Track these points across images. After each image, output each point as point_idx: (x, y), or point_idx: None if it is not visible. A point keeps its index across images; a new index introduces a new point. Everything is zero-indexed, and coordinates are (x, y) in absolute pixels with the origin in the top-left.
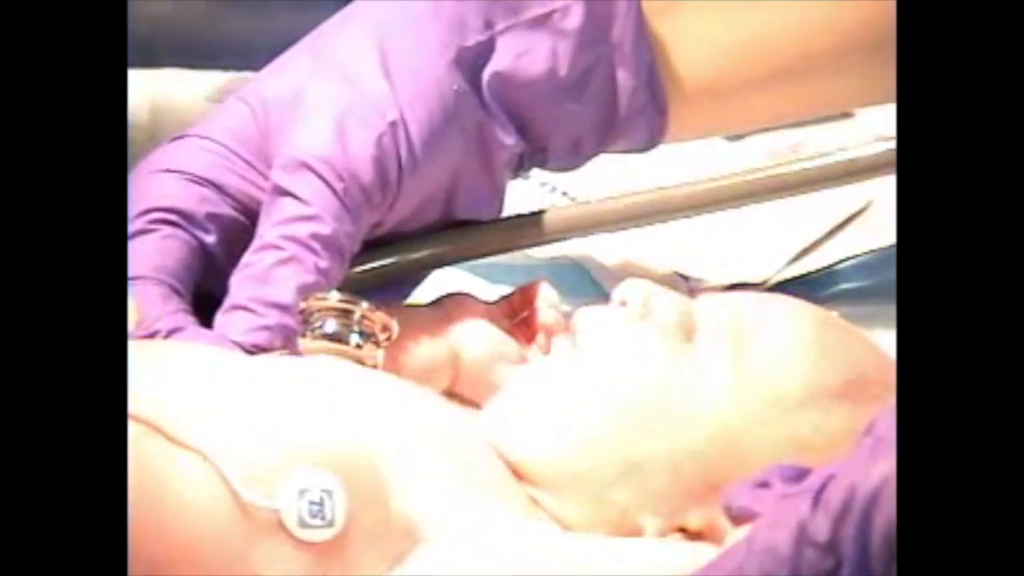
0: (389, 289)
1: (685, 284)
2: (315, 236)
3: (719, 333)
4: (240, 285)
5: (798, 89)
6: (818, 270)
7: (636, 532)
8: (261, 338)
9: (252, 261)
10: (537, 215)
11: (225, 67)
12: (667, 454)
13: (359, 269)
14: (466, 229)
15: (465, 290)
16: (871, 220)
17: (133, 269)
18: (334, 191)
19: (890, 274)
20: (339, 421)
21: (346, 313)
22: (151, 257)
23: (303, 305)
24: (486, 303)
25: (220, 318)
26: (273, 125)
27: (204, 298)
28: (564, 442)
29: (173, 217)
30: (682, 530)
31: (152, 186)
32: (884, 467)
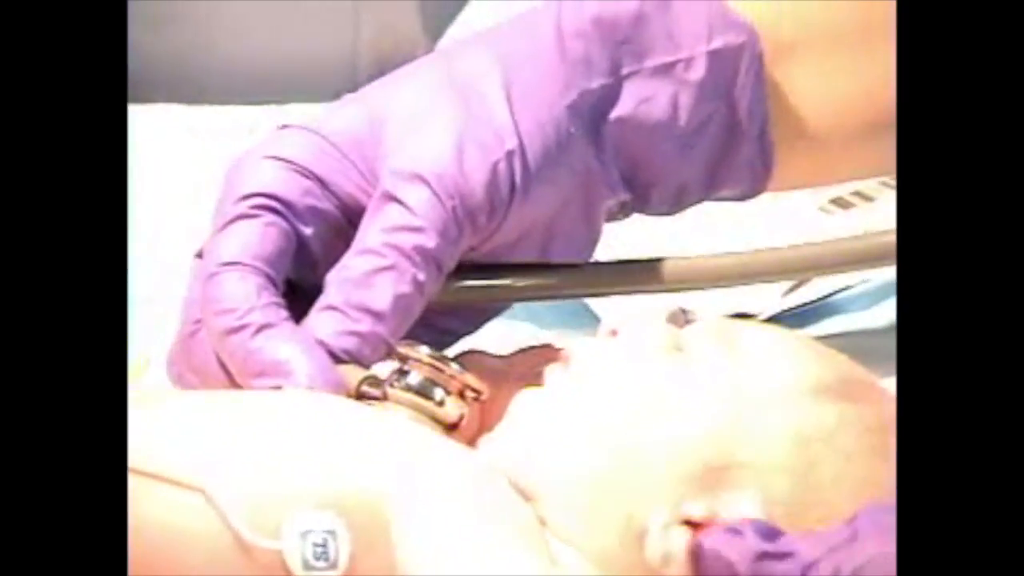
0: (462, 316)
1: (684, 317)
2: (418, 249)
3: (707, 337)
4: (336, 287)
5: None
6: (813, 301)
7: (643, 531)
8: (351, 343)
9: (351, 264)
10: (649, 263)
11: None
12: (667, 453)
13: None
14: (565, 268)
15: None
16: None
17: (230, 254)
18: (444, 207)
19: (886, 303)
20: (342, 461)
21: (435, 369)
22: (250, 244)
23: (399, 349)
24: (499, 358)
25: (312, 317)
26: (389, 133)
27: (294, 290)
28: (566, 460)
29: (275, 204)
30: (687, 522)
31: (258, 171)
32: (869, 548)
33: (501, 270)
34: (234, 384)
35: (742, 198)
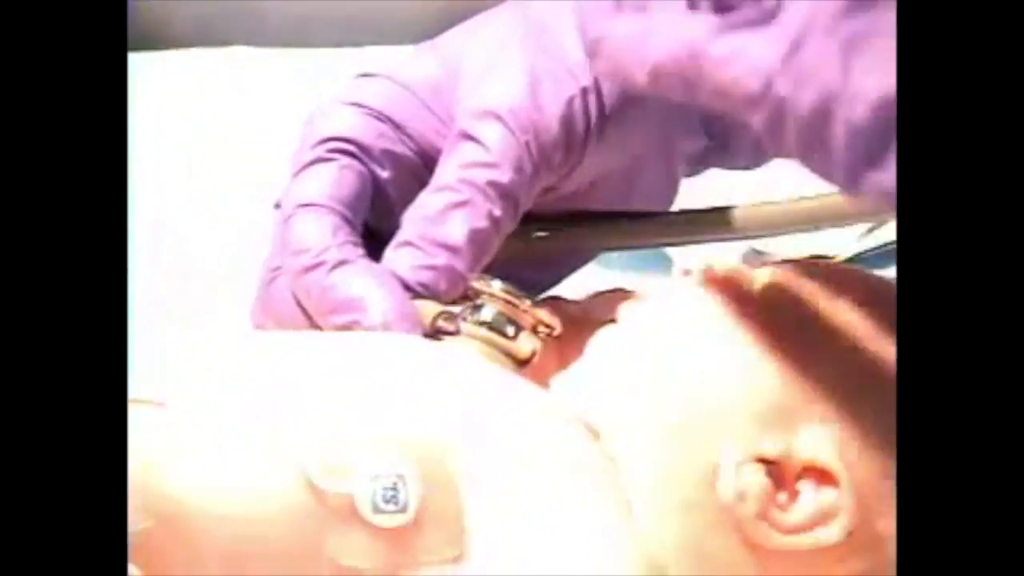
0: (544, 268)
1: (758, 259)
2: (492, 184)
3: (779, 276)
4: (412, 223)
5: None
6: (890, 243)
7: (716, 468)
8: (427, 277)
9: (426, 201)
10: (723, 210)
11: None
12: (742, 391)
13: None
14: (645, 217)
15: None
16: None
17: (306, 196)
18: (518, 142)
19: None
20: (412, 404)
21: (508, 304)
22: (326, 185)
23: (473, 283)
24: (576, 303)
25: (389, 254)
26: (465, 77)
27: (373, 236)
28: (640, 398)
29: (351, 148)
30: (761, 460)
31: (335, 117)
32: None
33: (580, 220)
34: (312, 327)
35: None
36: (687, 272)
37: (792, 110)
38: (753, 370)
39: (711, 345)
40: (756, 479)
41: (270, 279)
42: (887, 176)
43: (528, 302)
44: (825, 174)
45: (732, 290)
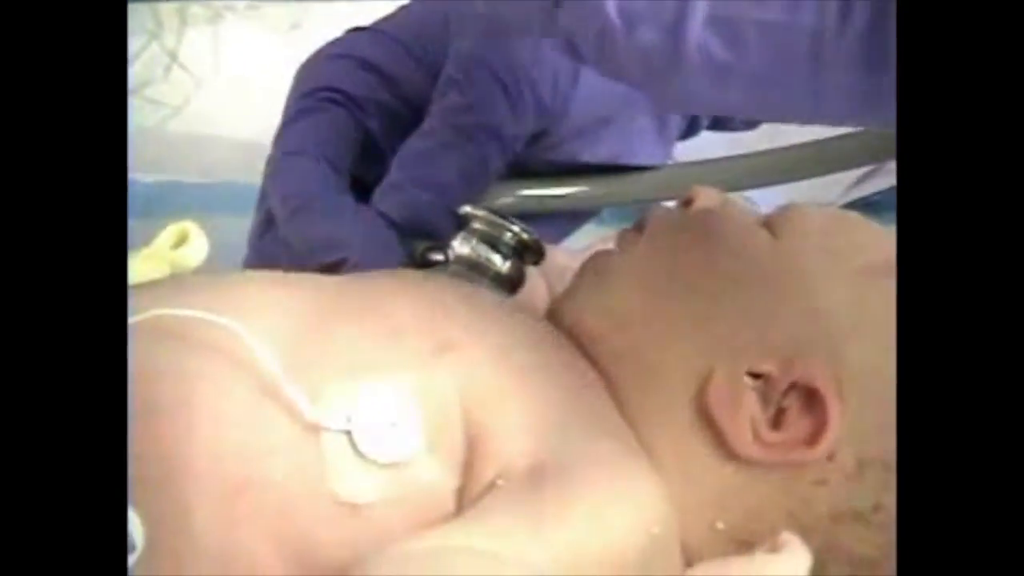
0: (553, 222)
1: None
2: (479, 125)
3: (771, 215)
4: (400, 164)
5: None
6: (886, 190)
7: (709, 377)
8: (412, 215)
9: (415, 144)
10: (716, 162)
11: None
12: (737, 311)
13: (525, 193)
14: (638, 173)
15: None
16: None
17: (295, 144)
18: (505, 88)
19: None
20: (411, 340)
21: (499, 229)
22: (315, 133)
23: (460, 211)
24: (569, 254)
25: (377, 193)
26: (455, 30)
27: (362, 184)
28: (637, 314)
29: (339, 97)
30: (753, 373)
31: (324, 68)
32: None
33: (575, 176)
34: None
35: None
36: (688, 202)
37: None
38: (751, 294)
39: (706, 270)
40: (746, 390)
41: (259, 233)
42: None
43: (516, 227)
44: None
45: (727, 220)
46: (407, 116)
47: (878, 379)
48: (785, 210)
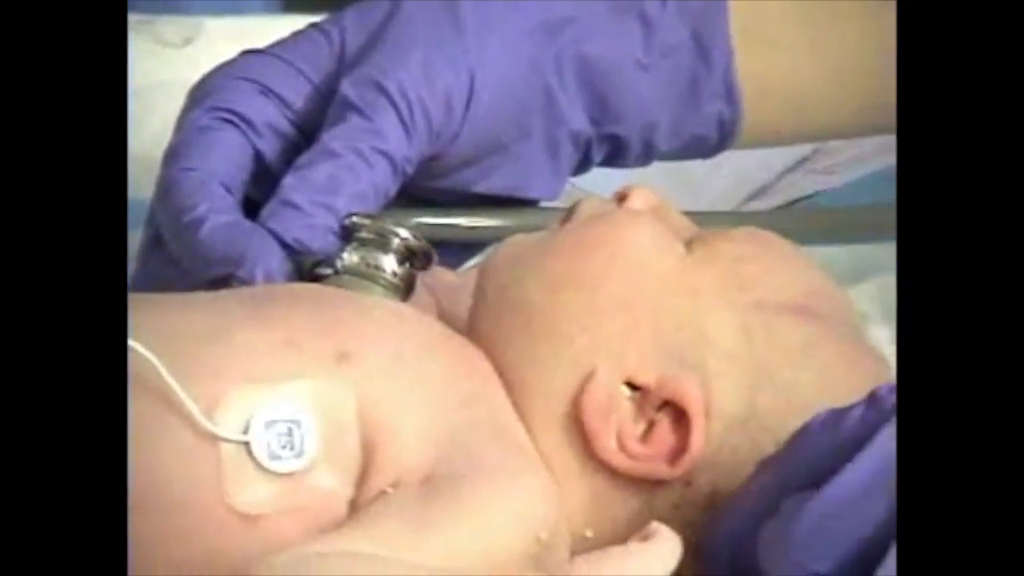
0: (446, 251)
1: None
2: (375, 150)
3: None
4: (292, 184)
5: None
6: (772, 209)
7: (591, 375)
8: (305, 235)
9: (307, 162)
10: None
11: None
12: (632, 314)
13: (423, 221)
14: (530, 207)
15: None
16: (818, 163)
17: (188, 161)
18: (399, 111)
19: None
20: (308, 349)
21: (386, 236)
22: (207, 151)
23: (346, 222)
24: (458, 274)
25: (266, 211)
26: (348, 58)
27: (251, 203)
28: (536, 294)
29: (234, 119)
30: (630, 383)
31: (221, 88)
32: None
33: (466, 209)
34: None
35: (712, 150)
36: (622, 197)
37: None
38: (646, 304)
39: (612, 264)
40: (621, 399)
41: (149, 247)
42: None
43: (403, 232)
44: None
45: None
46: (299, 139)
47: (746, 414)
48: (710, 232)
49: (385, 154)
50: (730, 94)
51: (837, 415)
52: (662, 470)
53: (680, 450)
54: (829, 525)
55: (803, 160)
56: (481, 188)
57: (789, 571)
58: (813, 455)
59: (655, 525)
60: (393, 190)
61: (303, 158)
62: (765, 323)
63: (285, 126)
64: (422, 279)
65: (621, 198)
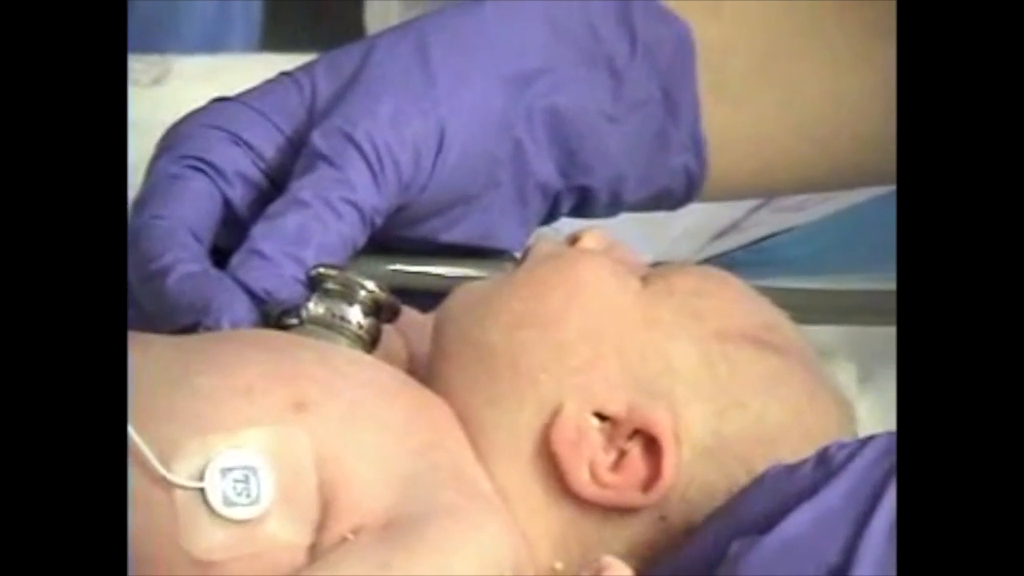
0: (411, 298)
1: None
2: (344, 200)
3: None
4: (261, 233)
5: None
6: (742, 247)
7: (558, 411)
8: (272, 285)
9: (276, 212)
10: None
11: None
12: (589, 345)
13: (399, 269)
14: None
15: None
16: (787, 200)
17: (157, 208)
18: (368, 162)
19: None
20: (266, 397)
21: (352, 287)
22: (177, 199)
23: (312, 272)
24: (424, 315)
25: (235, 260)
26: (319, 107)
27: (220, 251)
28: (495, 337)
29: (205, 167)
30: (599, 415)
31: (193, 136)
32: None
33: (442, 258)
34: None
35: (678, 203)
36: (575, 240)
37: None
38: (607, 337)
39: (570, 301)
40: (591, 430)
41: None
42: None
43: (370, 284)
44: None
45: (609, 266)
46: (269, 188)
47: (715, 441)
48: (664, 266)
49: (354, 204)
50: (696, 146)
51: (788, 469)
52: (636, 498)
53: (653, 478)
54: (774, 568)
55: (771, 198)
56: (447, 238)
57: None
58: (762, 505)
59: (607, 558)
60: (361, 240)
61: (273, 207)
62: (726, 354)
63: (255, 175)
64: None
65: (574, 240)
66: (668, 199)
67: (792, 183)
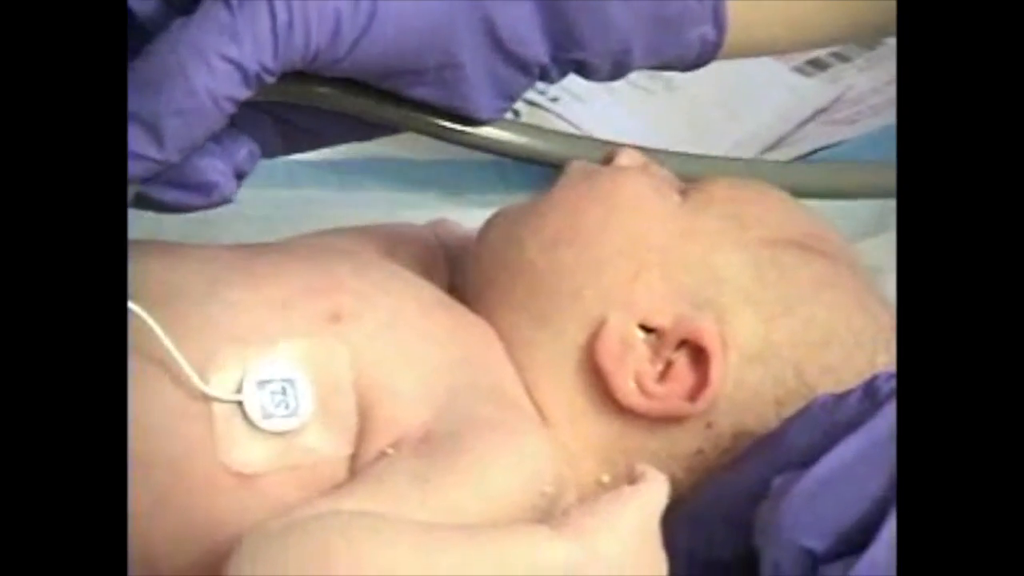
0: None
1: None
2: (222, 57)
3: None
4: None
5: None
6: (790, 160)
7: (601, 327)
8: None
9: (147, 51)
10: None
11: None
12: (631, 258)
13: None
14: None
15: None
16: (837, 114)
17: None
18: (274, 18)
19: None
20: (302, 309)
21: None
22: None
23: None
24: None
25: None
26: None
27: None
28: (534, 255)
29: None
30: (644, 326)
31: None
32: None
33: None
34: None
35: (688, 68)
36: (609, 159)
37: None
38: (650, 251)
39: (610, 213)
40: (636, 342)
41: None
42: None
43: None
44: None
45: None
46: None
47: (763, 347)
48: (702, 180)
49: (233, 61)
50: (717, 18)
51: (836, 399)
52: (683, 407)
53: (700, 387)
54: (817, 503)
55: (821, 110)
56: (412, 94)
57: (782, 548)
58: (807, 436)
59: (641, 466)
60: (240, 95)
61: (150, 46)
62: (773, 258)
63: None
64: (434, 230)
65: (608, 159)
66: (677, 65)
67: (818, 40)
